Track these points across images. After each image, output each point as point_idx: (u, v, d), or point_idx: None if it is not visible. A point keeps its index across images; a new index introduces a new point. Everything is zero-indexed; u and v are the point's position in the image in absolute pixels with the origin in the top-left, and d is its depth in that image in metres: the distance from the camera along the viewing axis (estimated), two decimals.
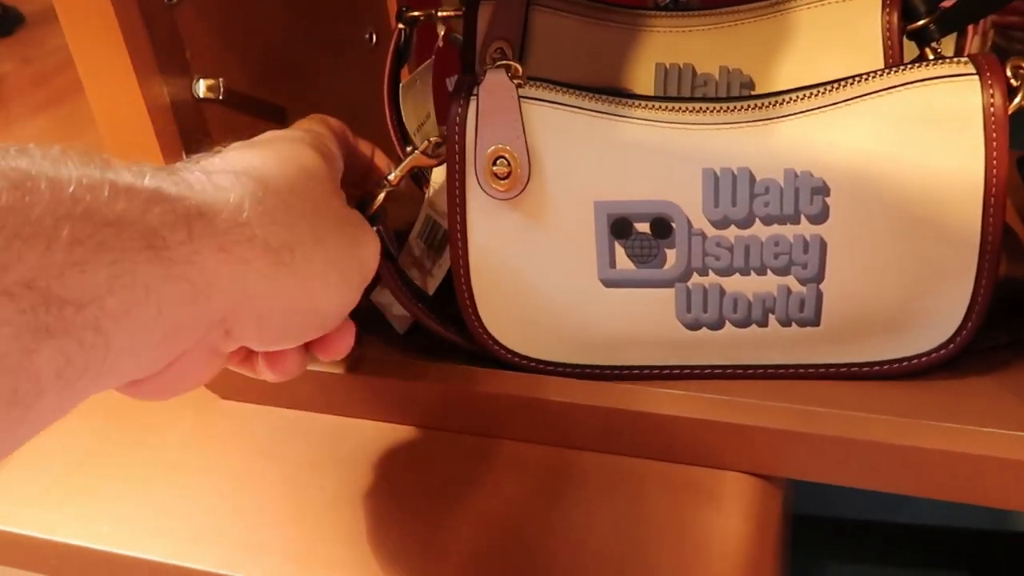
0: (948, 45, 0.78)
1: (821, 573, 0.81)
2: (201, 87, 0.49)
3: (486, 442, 0.49)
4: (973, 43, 0.90)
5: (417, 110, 0.61)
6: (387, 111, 0.58)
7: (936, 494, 0.43)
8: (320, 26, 0.61)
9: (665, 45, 0.53)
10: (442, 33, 0.59)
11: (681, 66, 0.53)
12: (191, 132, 0.48)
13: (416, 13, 0.58)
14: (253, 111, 0.54)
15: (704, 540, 0.42)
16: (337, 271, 0.38)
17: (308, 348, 0.41)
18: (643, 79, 0.53)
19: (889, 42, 0.49)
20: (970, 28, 0.84)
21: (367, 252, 0.41)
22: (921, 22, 0.49)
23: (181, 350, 0.32)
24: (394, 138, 0.59)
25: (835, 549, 0.81)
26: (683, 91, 0.53)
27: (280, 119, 0.57)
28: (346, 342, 0.42)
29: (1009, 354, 0.47)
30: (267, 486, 0.48)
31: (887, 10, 0.49)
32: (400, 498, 0.47)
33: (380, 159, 0.50)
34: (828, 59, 0.50)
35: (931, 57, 0.50)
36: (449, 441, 0.50)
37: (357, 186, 0.47)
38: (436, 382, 0.49)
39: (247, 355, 0.40)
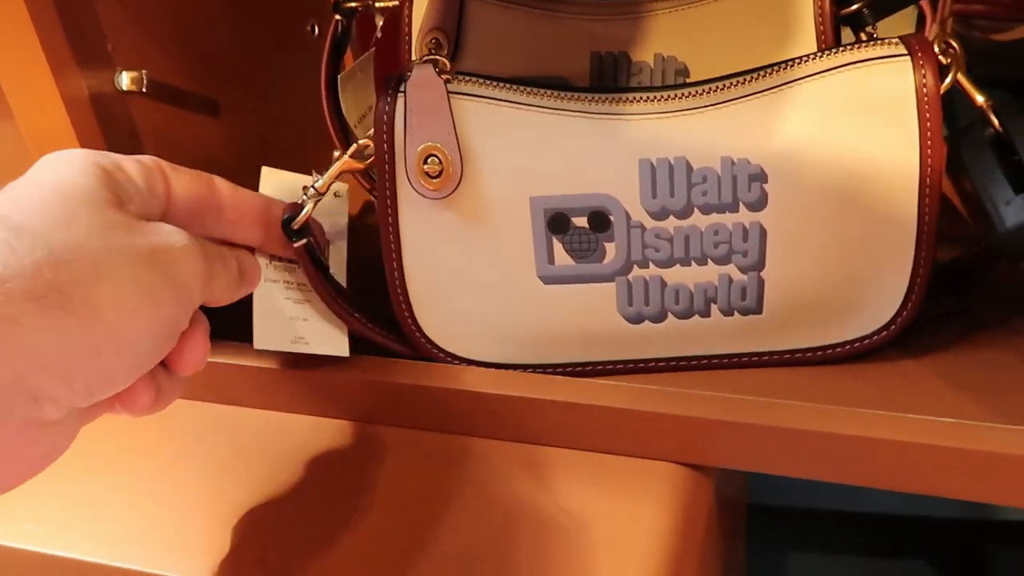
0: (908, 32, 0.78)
1: (778, 562, 0.81)
2: (124, 80, 0.47)
3: (415, 435, 0.48)
4: (932, 30, 0.90)
5: (358, 102, 0.59)
6: (324, 104, 0.57)
7: (868, 482, 0.43)
8: (259, 17, 0.59)
9: (600, 33, 0.52)
10: (380, 23, 0.58)
11: (616, 54, 0.52)
12: (114, 126, 0.46)
13: (353, 4, 0.57)
14: (182, 104, 0.52)
15: (627, 530, 0.42)
16: (136, 296, 0.34)
17: (161, 371, 0.38)
18: (578, 67, 0.52)
19: (822, 27, 0.49)
20: (928, 16, 0.83)
21: (175, 267, 0.36)
22: (855, 6, 0.48)
23: None
24: (332, 131, 0.57)
25: (792, 538, 0.81)
26: (619, 79, 0.52)
27: (213, 112, 0.55)
28: (195, 353, 0.39)
29: (950, 337, 0.47)
30: (196, 483, 0.47)
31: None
32: (330, 495, 0.46)
33: (222, 185, 0.43)
34: (762, 46, 0.50)
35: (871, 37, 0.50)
36: (379, 435, 0.49)
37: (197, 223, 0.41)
38: (365, 374, 0.48)
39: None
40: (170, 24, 0.50)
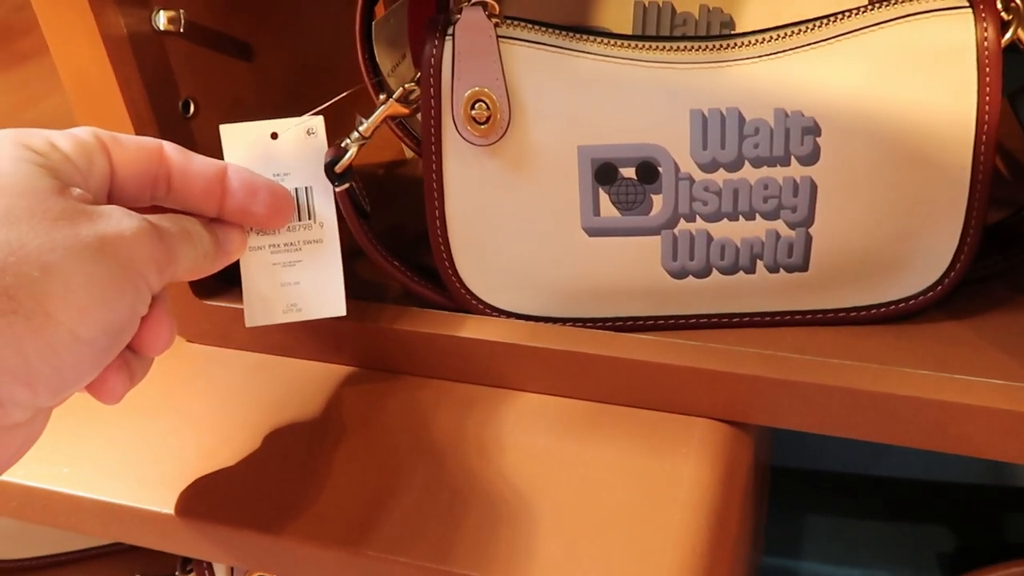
0: None
1: (800, 525, 0.81)
2: (161, 19, 0.46)
3: (449, 385, 0.48)
4: None
5: (391, 50, 0.58)
6: (359, 51, 0.56)
7: (908, 442, 0.43)
8: None
9: None
10: None
11: (660, 4, 0.51)
12: (151, 67, 0.45)
13: None
14: (217, 47, 0.51)
15: (669, 486, 0.42)
16: (87, 292, 0.32)
17: (129, 356, 0.37)
18: (622, 18, 0.51)
19: None
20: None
21: (127, 255, 0.34)
22: None
23: None
24: (366, 79, 0.56)
25: (815, 501, 0.81)
26: (662, 30, 0.51)
27: (246, 56, 0.54)
28: (160, 337, 0.37)
29: (998, 297, 0.46)
30: (232, 430, 0.47)
31: None
32: (362, 440, 0.46)
33: (172, 152, 0.39)
34: None
35: None
36: (411, 384, 0.48)
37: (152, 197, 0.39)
38: (397, 325, 0.47)
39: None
40: None
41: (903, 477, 0.77)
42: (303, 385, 0.49)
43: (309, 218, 0.45)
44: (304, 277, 0.46)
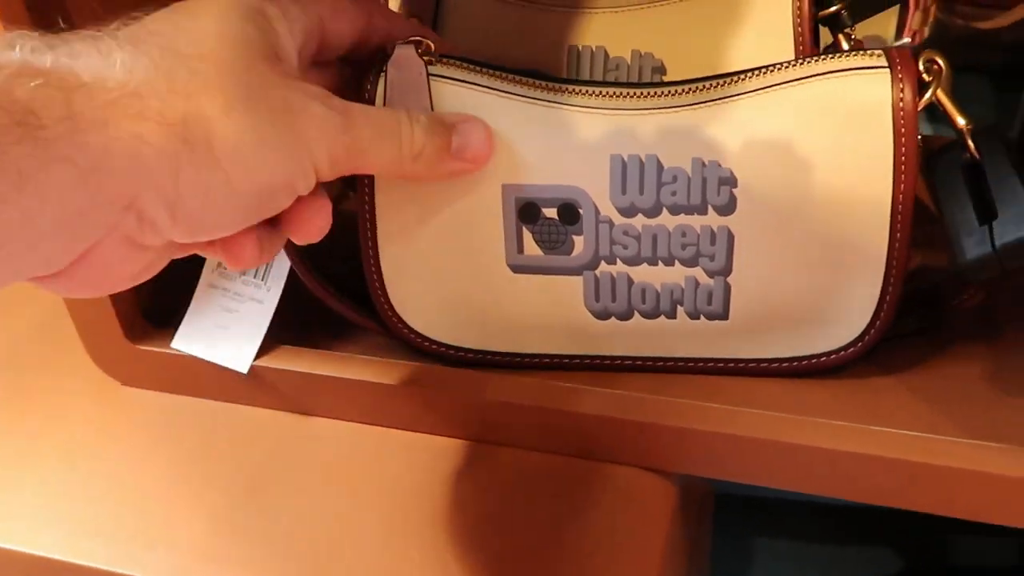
0: (891, 20, 0.77)
1: (748, 549, 0.81)
2: None
3: (382, 432, 0.49)
4: (915, 18, 0.89)
5: None
6: None
7: (824, 491, 0.43)
8: None
9: (577, 27, 0.52)
10: None
11: (593, 48, 0.52)
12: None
13: None
14: None
15: (589, 535, 0.42)
16: (261, 145, 0.33)
17: (266, 228, 0.37)
18: (555, 60, 0.52)
19: (800, 28, 0.48)
20: (912, 3, 0.83)
21: (306, 131, 0.35)
22: (833, 8, 0.48)
23: (89, 241, 0.30)
24: None
25: (762, 526, 0.80)
26: (595, 74, 0.52)
27: None
28: (314, 222, 0.37)
29: (918, 352, 0.46)
30: (166, 477, 0.48)
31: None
32: (299, 488, 0.46)
33: (379, 22, 0.42)
34: (740, 45, 0.49)
35: (845, 45, 0.49)
36: (349, 430, 0.49)
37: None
38: (337, 372, 0.48)
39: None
40: None
41: (847, 503, 0.77)
42: (238, 431, 0.50)
43: (263, 280, 0.48)
44: (232, 327, 0.49)
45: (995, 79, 0.55)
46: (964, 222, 0.40)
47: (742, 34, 0.49)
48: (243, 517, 0.45)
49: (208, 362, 0.50)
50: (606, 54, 0.52)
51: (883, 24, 0.85)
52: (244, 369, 0.49)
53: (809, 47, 0.48)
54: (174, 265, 0.45)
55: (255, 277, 0.49)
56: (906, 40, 0.91)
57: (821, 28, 0.49)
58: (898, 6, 0.80)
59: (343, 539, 0.43)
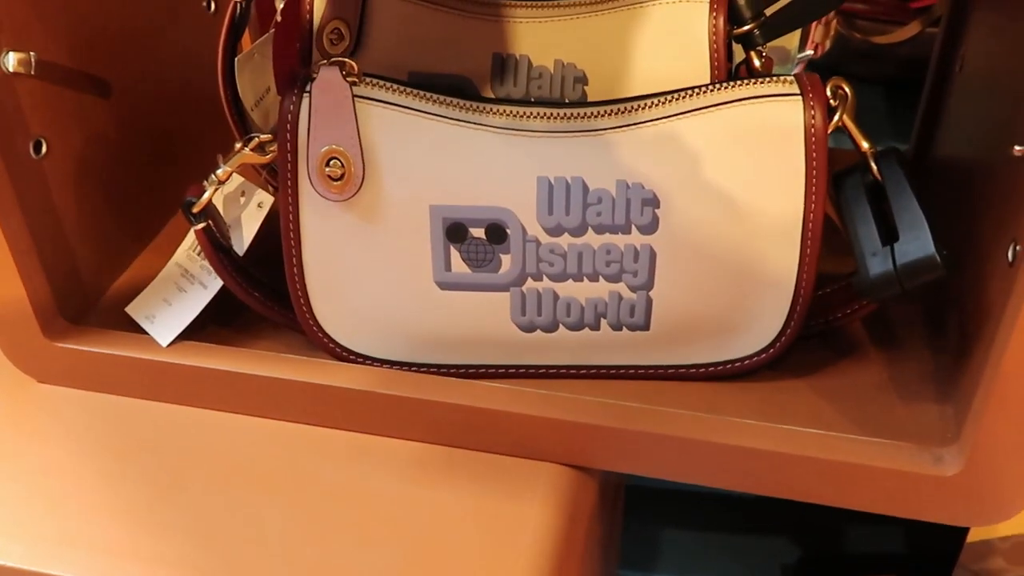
0: (795, 32, 0.81)
1: (656, 539, 0.85)
2: (11, 61, 0.45)
3: (307, 430, 0.49)
4: (817, 32, 0.93)
5: (255, 84, 0.58)
6: (221, 87, 0.56)
7: (736, 486, 0.46)
8: None
9: (503, 34, 0.52)
10: (280, 7, 0.56)
11: (517, 57, 0.52)
12: (1, 109, 0.45)
13: None
14: (72, 85, 0.51)
15: (513, 529, 0.44)
16: None
17: None
18: (481, 67, 0.53)
19: (715, 45, 0.50)
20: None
21: None
22: (746, 27, 0.50)
23: None
24: (228, 115, 0.56)
25: (670, 517, 0.84)
26: (519, 81, 0.52)
27: (104, 92, 0.54)
28: None
29: (821, 355, 0.50)
30: (84, 474, 0.47)
31: (714, 14, 0.50)
32: (216, 485, 0.46)
33: None
34: (658, 59, 0.51)
35: (756, 61, 0.51)
36: (270, 428, 0.49)
37: None
38: (255, 370, 0.48)
39: None
40: (60, 1, 0.48)
41: (748, 493, 0.82)
42: (157, 429, 0.50)
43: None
44: (175, 303, 0.50)
45: (890, 90, 0.58)
46: (868, 242, 0.43)
47: (661, 48, 0.50)
48: (163, 514, 0.45)
49: (125, 358, 0.50)
50: (530, 63, 0.52)
51: (787, 37, 0.88)
52: (163, 343, 0.50)
53: (724, 62, 0.49)
54: (91, 265, 0.48)
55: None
56: (809, 52, 0.95)
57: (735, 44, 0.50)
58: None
59: (260, 534, 0.44)
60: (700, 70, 0.52)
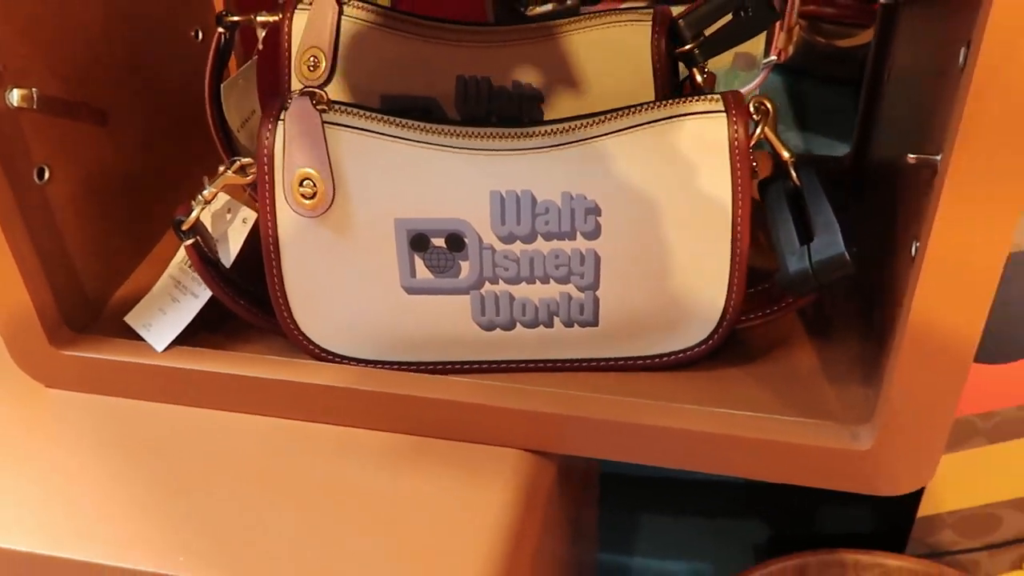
0: (760, 38, 0.86)
1: (633, 524, 0.89)
2: (15, 97, 0.50)
3: (290, 424, 0.54)
4: (780, 38, 0.98)
5: (241, 107, 0.63)
6: (208, 110, 0.61)
7: (683, 465, 0.51)
8: (142, 26, 0.62)
9: (465, 59, 0.57)
10: (261, 36, 0.61)
11: (479, 78, 0.57)
12: (3, 140, 0.49)
13: (236, 18, 0.60)
14: (73, 115, 0.56)
15: (475, 509, 0.48)
16: None
17: None
18: (446, 89, 0.57)
19: (658, 65, 0.55)
20: (777, 25, 0.91)
21: None
22: (687, 47, 0.54)
23: None
24: (215, 136, 0.61)
25: (645, 502, 0.89)
26: (480, 102, 0.57)
27: (102, 121, 0.59)
28: None
29: (757, 344, 0.54)
30: (88, 472, 0.52)
31: (656, 36, 0.55)
32: (210, 476, 0.51)
33: None
34: (607, 77, 0.56)
35: (699, 77, 0.56)
36: (256, 424, 0.54)
37: None
38: (242, 371, 0.54)
39: None
40: (58, 37, 0.53)
41: (721, 478, 0.87)
42: (155, 427, 0.55)
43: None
44: (169, 312, 0.55)
45: (859, 90, 0.63)
46: (788, 242, 0.48)
47: (609, 69, 0.55)
48: (162, 504, 0.50)
49: (125, 363, 0.55)
50: (490, 84, 0.57)
51: (754, 43, 0.93)
52: (159, 348, 0.55)
53: (667, 79, 0.54)
54: (92, 279, 0.53)
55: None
56: (773, 57, 1.00)
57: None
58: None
59: (250, 519, 0.49)
60: (646, 87, 0.56)
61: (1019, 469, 0.70)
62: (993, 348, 0.64)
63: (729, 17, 0.57)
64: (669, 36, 0.56)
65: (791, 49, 0.99)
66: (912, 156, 0.43)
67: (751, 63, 1.03)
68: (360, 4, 0.58)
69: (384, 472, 0.51)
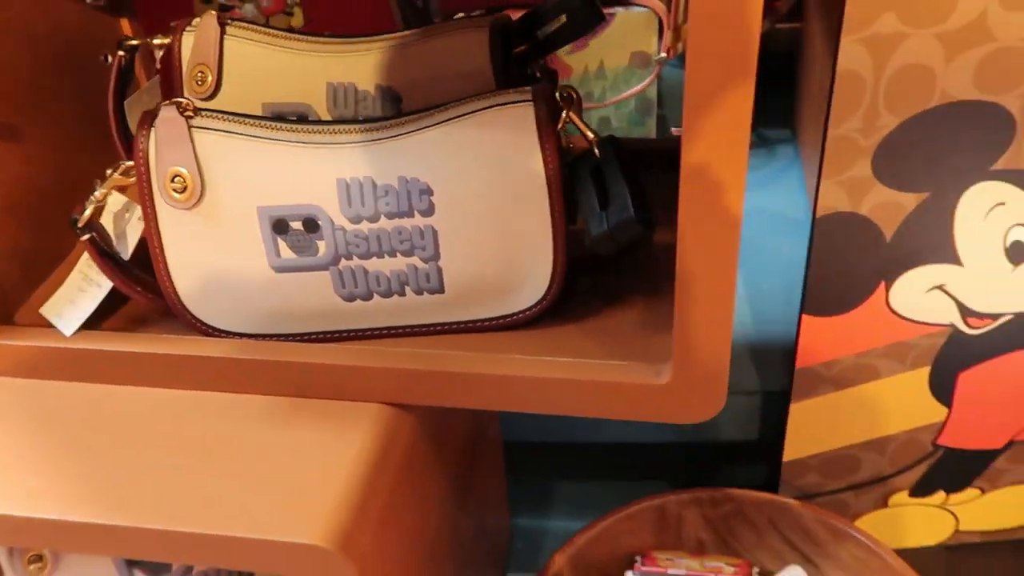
0: (653, 38, 0.95)
1: (545, 488, 0.97)
2: None
3: (184, 393, 0.62)
4: (667, 37, 1.06)
5: None
6: (112, 125, 0.69)
7: (526, 408, 0.58)
8: (55, 50, 0.70)
9: (333, 67, 0.65)
10: (159, 56, 0.69)
11: (346, 84, 0.65)
12: None
13: (134, 42, 0.68)
14: None
15: (338, 454, 0.56)
16: None
17: None
18: (318, 95, 0.65)
19: (497, 64, 0.62)
20: (665, 24, 0.99)
21: None
22: (518, 49, 0.62)
23: None
24: (120, 148, 0.69)
25: (551, 469, 0.96)
26: (348, 105, 0.65)
27: (18, 138, 0.66)
28: None
29: (589, 304, 0.62)
30: (11, 443, 0.60)
31: (493, 39, 0.63)
32: (114, 440, 0.59)
33: None
34: (455, 78, 0.63)
35: (538, 75, 0.64)
36: (156, 394, 0.62)
37: None
38: (142, 348, 0.62)
39: None
40: None
41: (623, 441, 0.94)
42: (68, 401, 0.62)
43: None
44: (77, 302, 0.63)
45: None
46: (591, 209, 0.55)
47: (455, 70, 0.63)
48: (73, 464, 0.58)
49: (41, 347, 0.63)
50: (356, 88, 0.65)
51: (647, 42, 1.03)
52: (67, 332, 0.63)
53: (510, 77, 0.62)
54: (13, 279, 0.59)
55: None
56: (663, 55, 1.08)
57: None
58: (658, 25, 1.00)
59: (149, 474, 0.56)
60: (489, 85, 0.64)
61: (866, 413, 0.77)
62: (825, 302, 0.71)
63: (563, 19, 0.65)
64: (506, 39, 0.64)
65: (680, 47, 1.07)
66: (676, 129, 0.50)
67: (646, 61, 1.11)
68: (241, 24, 0.66)
69: (263, 428, 0.59)
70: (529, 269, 0.59)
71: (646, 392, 0.55)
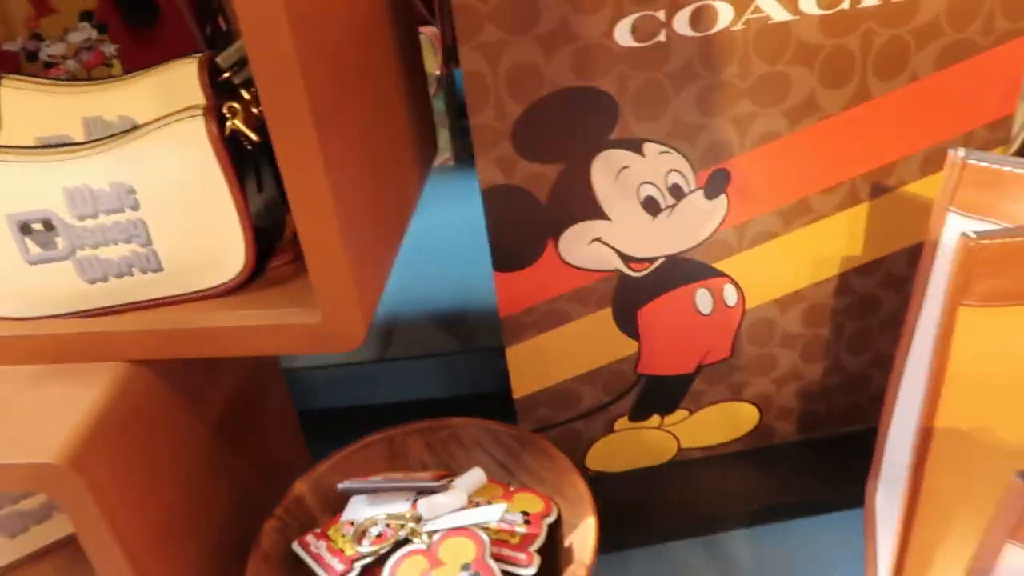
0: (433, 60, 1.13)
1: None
2: None
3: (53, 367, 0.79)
4: (438, 56, 1.24)
5: None
6: None
7: (215, 353, 0.74)
8: None
9: (84, 103, 0.82)
10: None
11: (95, 117, 0.82)
12: None
13: None
14: None
15: (75, 404, 0.72)
16: None
17: None
18: (77, 130, 0.82)
19: (207, 93, 0.79)
20: (437, 47, 1.17)
21: None
22: (223, 77, 0.79)
23: None
24: None
25: (336, 433, 1.09)
26: (97, 133, 0.82)
27: None
28: None
29: (283, 272, 0.79)
30: None
31: (201, 72, 0.80)
32: None
33: None
34: (178, 103, 0.80)
35: (246, 95, 0.81)
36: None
37: None
38: None
39: None
40: None
41: (395, 401, 1.10)
42: None
43: None
44: None
45: None
46: (254, 200, 0.72)
47: (180, 99, 0.80)
48: None
49: None
50: (103, 120, 0.82)
51: (430, 63, 1.21)
52: None
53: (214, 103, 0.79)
54: None
55: None
56: (436, 72, 1.26)
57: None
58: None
59: None
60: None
61: (570, 350, 0.93)
62: (509, 259, 0.87)
63: None
64: (212, 69, 0.81)
65: (451, 64, 1.25)
66: None
67: (431, 80, 1.29)
68: (14, 77, 0.84)
69: (21, 387, 0.76)
70: (226, 250, 0.75)
71: (308, 330, 0.72)
